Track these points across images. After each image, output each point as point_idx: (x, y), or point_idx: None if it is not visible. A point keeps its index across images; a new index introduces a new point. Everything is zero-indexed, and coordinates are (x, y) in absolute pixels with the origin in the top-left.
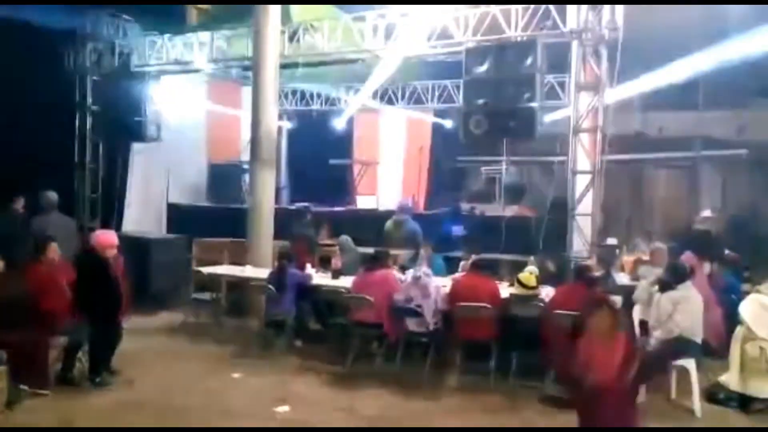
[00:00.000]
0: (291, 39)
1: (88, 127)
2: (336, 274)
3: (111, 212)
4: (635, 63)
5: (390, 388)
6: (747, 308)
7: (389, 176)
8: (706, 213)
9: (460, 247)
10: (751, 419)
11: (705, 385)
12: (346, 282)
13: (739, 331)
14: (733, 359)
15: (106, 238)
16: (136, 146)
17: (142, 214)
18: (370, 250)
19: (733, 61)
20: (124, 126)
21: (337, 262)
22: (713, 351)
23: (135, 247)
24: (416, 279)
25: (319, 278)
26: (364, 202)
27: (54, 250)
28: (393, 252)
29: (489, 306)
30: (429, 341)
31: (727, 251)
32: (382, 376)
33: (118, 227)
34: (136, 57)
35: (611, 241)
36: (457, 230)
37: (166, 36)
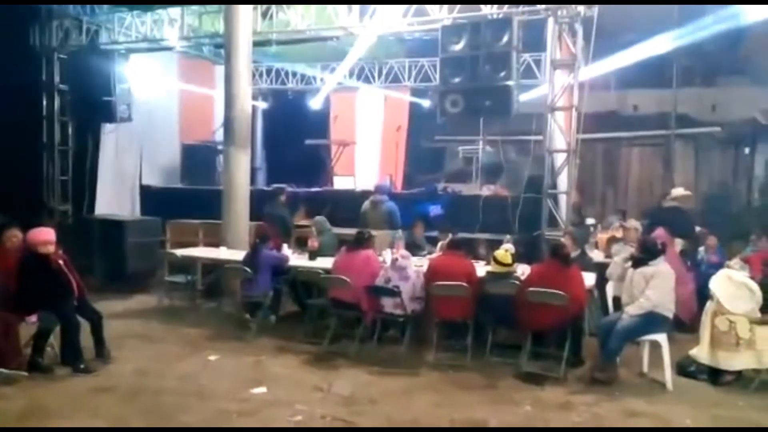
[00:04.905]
0: (264, 16)
1: (56, 107)
2: (312, 255)
3: (82, 194)
4: (610, 41)
5: (367, 367)
6: (717, 283)
7: (366, 156)
8: (679, 191)
9: (437, 226)
10: (720, 391)
11: (676, 358)
12: (322, 263)
13: (709, 305)
14: (703, 333)
15: (39, 236)
16: (107, 127)
17: (115, 196)
18: (348, 231)
19: (707, 39)
20: (94, 106)
21: (313, 243)
22: (684, 325)
23: (108, 229)
24: (394, 261)
25: (296, 259)
26: (341, 183)
27: (10, 236)
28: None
29: (465, 284)
30: (405, 321)
31: (698, 228)
32: (359, 355)
33: (90, 209)
34: (105, 34)
35: (589, 221)
36: (435, 210)
37: (135, 12)
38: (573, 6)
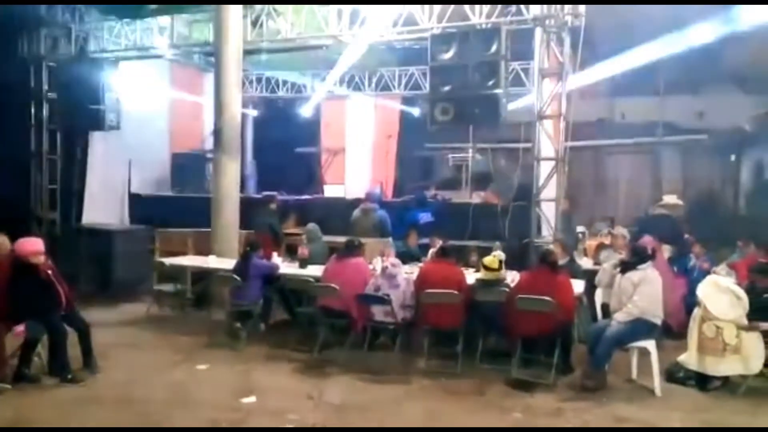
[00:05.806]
0: (254, 24)
1: (44, 115)
2: (303, 263)
3: (70, 203)
4: (598, 49)
5: (357, 375)
6: (704, 290)
7: (357, 164)
8: (671, 198)
9: (427, 234)
10: (708, 397)
11: (665, 364)
12: (313, 271)
13: (696, 312)
14: (691, 339)
15: (28, 246)
16: (96, 135)
17: (103, 204)
18: (338, 239)
19: (692, 47)
20: (83, 114)
21: (303, 251)
22: (673, 332)
23: (96, 238)
24: (384, 269)
25: (286, 267)
26: (332, 191)
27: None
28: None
29: (455, 292)
30: (396, 329)
31: (686, 235)
32: (349, 363)
33: (78, 218)
34: (94, 42)
35: (579, 230)
36: (425, 218)
37: (125, 20)
38: (561, 15)
